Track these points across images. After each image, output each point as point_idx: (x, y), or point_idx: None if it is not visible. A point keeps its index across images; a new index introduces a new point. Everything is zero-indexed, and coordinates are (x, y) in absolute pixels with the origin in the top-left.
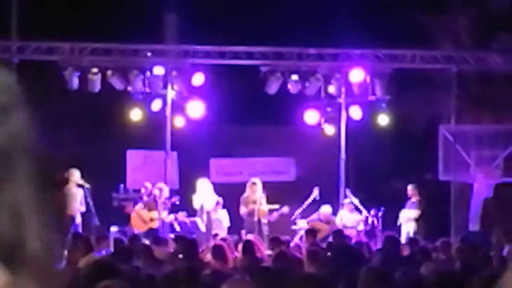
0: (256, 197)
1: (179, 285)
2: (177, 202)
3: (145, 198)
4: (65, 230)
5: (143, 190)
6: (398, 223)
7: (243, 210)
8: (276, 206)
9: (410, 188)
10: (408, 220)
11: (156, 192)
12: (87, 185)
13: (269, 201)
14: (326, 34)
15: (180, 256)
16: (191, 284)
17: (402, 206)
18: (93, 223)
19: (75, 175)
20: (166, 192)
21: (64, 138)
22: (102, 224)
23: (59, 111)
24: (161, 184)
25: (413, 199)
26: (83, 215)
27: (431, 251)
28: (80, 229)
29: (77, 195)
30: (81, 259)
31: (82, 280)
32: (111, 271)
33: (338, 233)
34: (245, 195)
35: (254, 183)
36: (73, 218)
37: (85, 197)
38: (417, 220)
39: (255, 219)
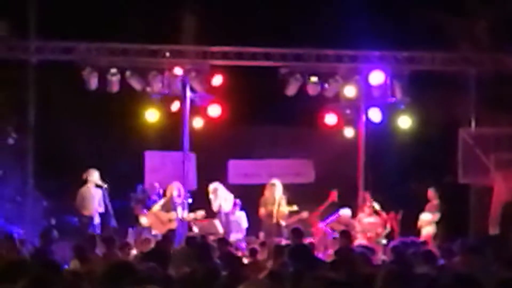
0: (275, 199)
1: (197, 286)
2: (189, 201)
3: (163, 199)
4: (84, 230)
5: (154, 190)
6: (418, 226)
7: (262, 211)
8: (295, 208)
9: (430, 191)
10: (427, 224)
11: (174, 192)
12: (105, 186)
13: (288, 203)
14: (345, 35)
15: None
16: (207, 286)
17: (422, 209)
18: (111, 224)
19: (94, 175)
20: (182, 192)
21: (83, 138)
22: (119, 225)
23: (77, 111)
24: (178, 184)
25: (433, 202)
26: (101, 215)
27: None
28: (98, 230)
29: (96, 195)
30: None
31: (100, 279)
32: (127, 271)
33: (345, 234)
34: (264, 196)
35: (273, 184)
36: (91, 219)
37: (104, 197)
38: (437, 223)
39: (274, 221)
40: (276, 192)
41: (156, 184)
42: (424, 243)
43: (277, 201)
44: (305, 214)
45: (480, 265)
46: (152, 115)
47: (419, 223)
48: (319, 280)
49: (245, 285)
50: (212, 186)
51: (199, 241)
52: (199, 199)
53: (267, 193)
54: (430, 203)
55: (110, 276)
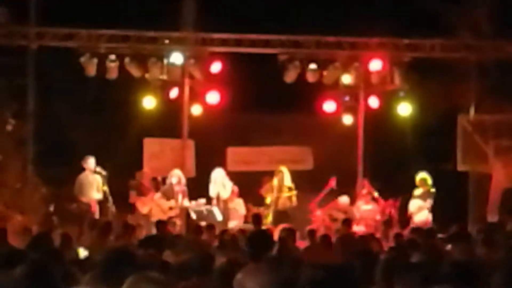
0: (281, 186)
1: (193, 273)
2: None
3: (161, 186)
4: (82, 217)
5: (159, 177)
6: (409, 213)
7: (267, 198)
8: (291, 193)
9: (418, 178)
10: (420, 210)
11: (174, 180)
12: (103, 172)
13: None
14: (344, 22)
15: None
16: (205, 272)
17: (410, 197)
18: (110, 210)
19: (90, 162)
20: (182, 179)
21: (82, 125)
22: (118, 212)
23: (76, 97)
24: (178, 171)
25: (422, 189)
26: (99, 202)
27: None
28: (97, 216)
29: (93, 182)
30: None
31: (100, 266)
32: (126, 257)
33: (347, 223)
34: (271, 183)
35: (280, 171)
36: (90, 205)
37: (102, 184)
38: (432, 210)
39: (279, 208)
40: (285, 179)
41: (148, 171)
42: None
43: (283, 188)
44: None
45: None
46: (149, 102)
47: (410, 209)
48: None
49: (243, 272)
50: (216, 172)
51: (198, 228)
52: (198, 187)
53: (274, 180)
54: (419, 189)
55: (109, 262)
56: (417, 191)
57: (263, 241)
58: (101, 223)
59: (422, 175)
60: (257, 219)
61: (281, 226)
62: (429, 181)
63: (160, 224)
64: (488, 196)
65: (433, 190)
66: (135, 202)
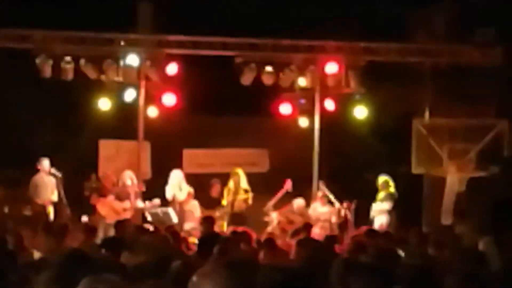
0: (237, 188)
1: (149, 275)
2: (143, 189)
3: (110, 187)
4: (37, 219)
5: (112, 180)
6: (370, 216)
7: (224, 200)
8: (247, 196)
9: (379, 180)
10: (380, 213)
11: (127, 181)
12: (58, 174)
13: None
14: (300, 25)
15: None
16: (160, 274)
17: (374, 199)
18: (65, 212)
19: (45, 164)
20: (135, 181)
21: (37, 127)
22: (73, 214)
23: (32, 98)
24: (131, 173)
25: (383, 192)
26: (54, 204)
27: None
28: (51, 218)
29: (48, 184)
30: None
31: (55, 268)
32: (83, 259)
33: (308, 227)
34: (227, 185)
35: (236, 174)
36: (44, 207)
37: (57, 186)
38: (389, 212)
39: (235, 210)
40: (241, 181)
41: (110, 173)
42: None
43: (239, 189)
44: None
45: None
46: (105, 104)
47: (372, 213)
48: (276, 270)
49: (198, 274)
50: (174, 173)
51: (153, 230)
52: (154, 188)
53: (230, 182)
54: (381, 193)
55: (64, 264)
56: (380, 195)
57: (213, 244)
58: (58, 225)
59: (382, 178)
60: (207, 221)
61: (239, 229)
62: (391, 183)
63: (118, 225)
64: (442, 199)
65: (393, 192)
66: (95, 203)
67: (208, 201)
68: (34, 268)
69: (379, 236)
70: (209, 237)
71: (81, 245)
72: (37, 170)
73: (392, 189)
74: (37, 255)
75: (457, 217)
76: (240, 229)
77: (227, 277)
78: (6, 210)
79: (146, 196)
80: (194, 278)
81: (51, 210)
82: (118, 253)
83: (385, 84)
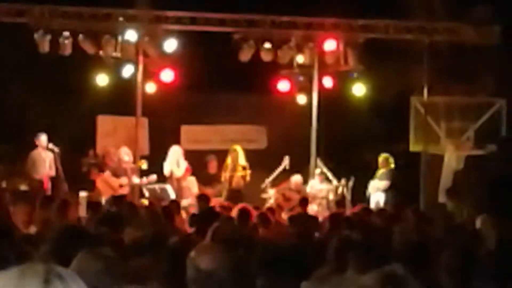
0: (235, 164)
1: (146, 251)
2: (145, 167)
3: (111, 164)
4: (34, 194)
5: (110, 155)
6: (367, 194)
7: (223, 177)
8: (245, 172)
9: (380, 158)
10: (377, 190)
11: (124, 157)
12: (56, 149)
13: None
14: (299, 2)
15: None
16: (157, 250)
17: (372, 176)
18: (62, 188)
19: (42, 139)
20: (131, 157)
21: (34, 102)
22: (71, 189)
23: (29, 73)
24: (127, 149)
25: (383, 170)
26: (52, 179)
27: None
28: (49, 193)
29: (46, 159)
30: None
31: (51, 243)
32: (79, 234)
33: (303, 202)
34: (225, 162)
35: (234, 150)
36: (42, 182)
37: (55, 161)
38: (386, 190)
39: (233, 186)
40: (239, 157)
41: (112, 149)
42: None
43: (237, 166)
44: None
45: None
46: (103, 80)
47: (369, 190)
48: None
49: (196, 251)
50: (173, 149)
51: (151, 205)
52: (151, 164)
53: (228, 159)
54: (380, 170)
55: (62, 240)
56: (379, 172)
57: (210, 220)
58: (55, 200)
59: (383, 155)
60: (203, 198)
61: (237, 206)
62: (391, 160)
63: (117, 200)
64: (440, 177)
65: (393, 169)
66: (95, 179)
67: (205, 177)
68: (31, 243)
69: (374, 214)
70: (205, 213)
71: (79, 220)
72: (35, 146)
73: (392, 166)
74: (33, 230)
75: (451, 195)
76: (239, 205)
77: (225, 253)
78: (3, 185)
79: (144, 172)
80: (192, 254)
81: (49, 185)
82: (116, 229)
83: (383, 61)
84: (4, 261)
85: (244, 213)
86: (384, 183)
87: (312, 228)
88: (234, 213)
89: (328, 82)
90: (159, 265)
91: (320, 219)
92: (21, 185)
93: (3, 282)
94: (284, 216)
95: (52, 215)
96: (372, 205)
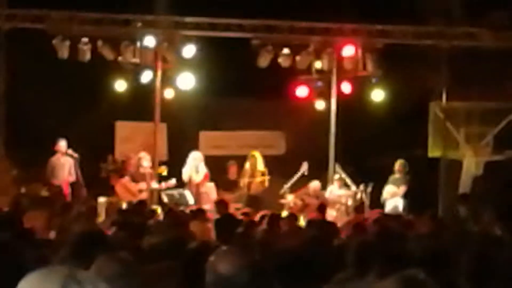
0: (254, 170)
1: (165, 256)
2: (165, 173)
3: (130, 169)
4: (54, 200)
5: (129, 161)
6: (381, 199)
7: (241, 183)
8: (263, 178)
9: (397, 163)
10: (393, 196)
11: (143, 163)
12: (75, 155)
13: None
14: (318, 8)
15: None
16: (176, 255)
17: (386, 182)
18: (81, 193)
19: (62, 145)
20: (150, 162)
21: (54, 108)
22: (90, 194)
23: (48, 79)
24: (146, 154)
25: (398, 175)
26: (71, 185)
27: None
28: (68, 199)
29: (65, 164)
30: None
31: (70, 247)
32: (98, 239)
33: (322, 207)
34: (244, 168)
35: (253, 156)
36: (61, 188)
37: (74, 167)
38: (403, 196)
39: (251, 192)
40: (258, 163)
41: (131, 155)
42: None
43: (256, 172)
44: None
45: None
46: (121, 85)
47: (384, 195)
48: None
49: (215, 255)
50: (193, 155)
51: (170, 211)
52: (170, 170)
53: (246, 164)
54: (395, 175)
55: (81, 244)
56: (393, 177)
57: (229, 225)
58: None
59: (401, 161)
60: (221, 205)
61: (258, 213)
62: (407, 166)
63: (136, 205)
64: (459, 183)
65: (408, 176)
66: (114, 184)
67: (224, 183)
68: (50, 247)
69: (392, 219)
70: (224, 219)
71: (98, 226)
72: (54, 151)
73: (407, 173)
74: (53, 235)
75: (470, 201)
76: (261, 212)
77: (244, 258)
78: (22, 190)
79: (163, 178)
80: (212, 259)
81: (68, 191)
82: (134, 234)
83: (402, 67)
84: (24, 264)
85: (267, 219)
86: (402, 189)
87: (331, 233)
88: (255, 219)
89: (346, 87)
90: (177, 270)
91: (339, 224)
92: (40, 191)
93: (24, 285)
94: (303, 221)
95: (71, 220)
96: (389, 210)
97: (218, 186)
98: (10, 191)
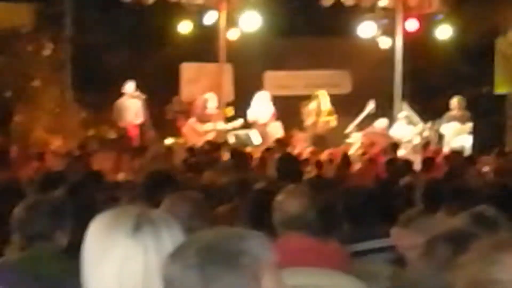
0: (320, 109)
1: (233, 196)
2: (231, 114)
3: (198, 110)
4: (121, 142)
5: (195, 102)
6: (446, 137)
7: (306, 122)
8: (330, 117)
9: (455, 100)
10: (459, 133)
11: (210, 104)
12: (142, 97)
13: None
14: None
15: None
16: (244, 195)
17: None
18: (149, 134)
19: (129, 87)
20: (216, 103)
21: (119, 50)
22: (157, 136)
23: (113, 22)
24: (213, 95)
25: (457, 112)
26: (138, 127)
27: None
28: (136, 141)
29: (131, 107)
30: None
31: (140, 187)
32: (167, 180)
33: (393, 146)
34: (308, 107)
35: (318, 95)
36: (128, 130)
37: (141, 109)
38: (470, 133)
39: (318, 131)
40: (323, 103)
41: (197, 96)
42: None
43: (322, 111)
44: None
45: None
46: (185, 27)
47: (448, 133)
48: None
49: (283, 194)
50: (259, 95)
51: (237, 151)
52: (236, 110)
53: (312, 104)
54: (453, 112)
55: (149, 183)
56: (450, 114)
57: (290, 164)
58: (142, 147)
59: (458, 97)
60: (281, 143)
61: (326, 151)
62: (465, 103)
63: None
64: None
65: (468, 112)
66: (181, 126)
67: (290, 122)
68: (119, 188)
69: (457, 157)
70: (285, 158)
71: (165, 166)
72: (121, 94)
73: (466, 109)
74: (121, 176)
75: None
76: (326, 151)
77: (312, 196)
78: (90, 133)
79: (229, 118)
80: (280, 198)
81: (135, 132)
82: (202, 174)
83: (469, 3)
84: (95, 205)
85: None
86: (467, 125)
87: (404, 172)
88: (323, 158)
89: (412, 25)
90: (245, 209)
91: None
92: (108, 133)
93: (96, 225)
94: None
95: (144, 162)
96: (456, 147)
97: (285, 126)
98: (78, 134)
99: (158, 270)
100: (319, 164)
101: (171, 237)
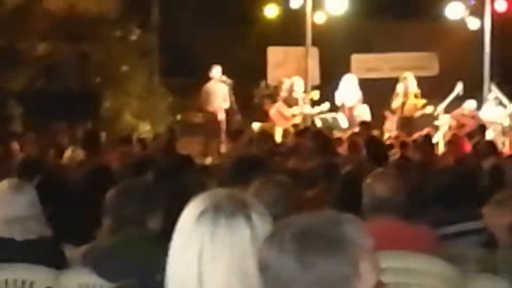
0: (407, 92)
1: (321, 180)
2: (317, 97)
3: (284, 94)
4: (208, 126)
5: (282, 86)
6: None
7: (392, 105)
8: (423, 101)
9: None
10: None
11: (296, 87)
12: (229, 81)
13: (415, 96)
14: None
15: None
16: (332, 179)
17: None
18: (236, 119)
19: (216, 71)
20: (303, 87)
21: (205, 35)
22: (243, 120)
23: (199, 7)
24: (299, 79)
25: None
26: (226, 111)
27: None
28: (224, 125)
29: (219, 91)
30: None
31: (229, 172)
32: (256, 163)
33: (481, 128)
34: (395, 90)
35: (405, 78)
36: (216, 115)
37: (228, 93)
38: None
39: (404, 114)
40: (410, 85)
41: (284, 80)
42: None
43: (409, 94)
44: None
45: None
46: (271, 11)
47: None
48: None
49: (372, 177)
50: (346, 78)
51: (320, 135)
52: (322, 94)
53: (399, 86)
54: None
55: (238, 167)
56: None
57: (376, 147)
58: (230, 131)
59: None
60: (365, 126)
61: (416, 134)
62: None
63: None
64: None
65: None
66: (268, 110)
67: (377, 105)
68: (208, 172)
69: None
70: (370, 141)
71: (253, 151)
72: (208, 78)
73: None
74: (209, 160)
75: None
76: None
77: (400, 179)
78: (178, 117)
79: (315, 102)
80: (368, 181)
81: (223, 117)
82: (289, 158)
83: None
84: (186, 190)
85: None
86: None
87: (488, 153)
88: (409, 141)
89: (501, 5)
90: (334, 193)
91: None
92: (195, 118)
93: (191, 210)
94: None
95: (238, 146)
96: None
97: (372, 109)
98: (166, 118)
99: (253, 255)
100: (404, 147)
101: (263, 223)
